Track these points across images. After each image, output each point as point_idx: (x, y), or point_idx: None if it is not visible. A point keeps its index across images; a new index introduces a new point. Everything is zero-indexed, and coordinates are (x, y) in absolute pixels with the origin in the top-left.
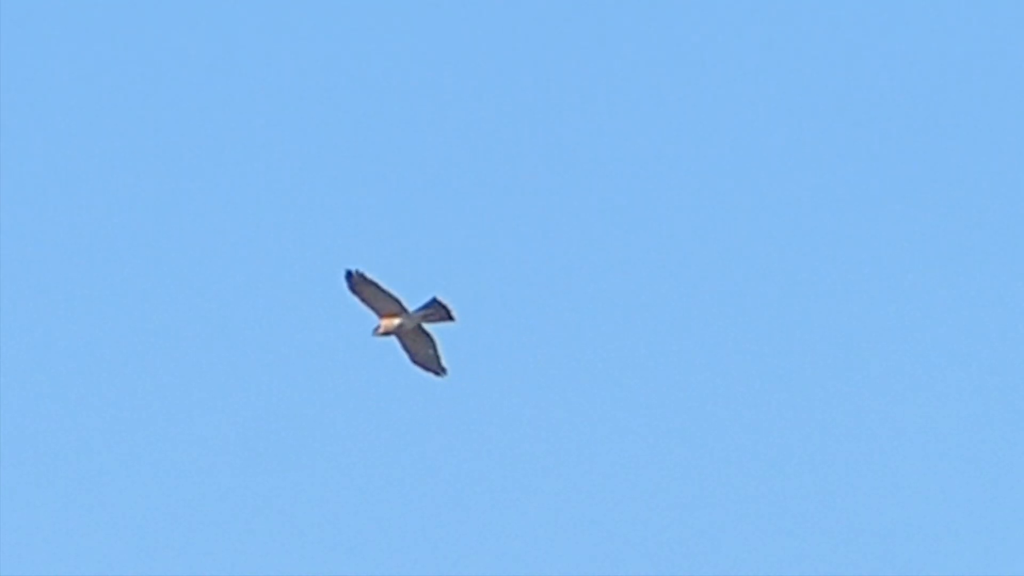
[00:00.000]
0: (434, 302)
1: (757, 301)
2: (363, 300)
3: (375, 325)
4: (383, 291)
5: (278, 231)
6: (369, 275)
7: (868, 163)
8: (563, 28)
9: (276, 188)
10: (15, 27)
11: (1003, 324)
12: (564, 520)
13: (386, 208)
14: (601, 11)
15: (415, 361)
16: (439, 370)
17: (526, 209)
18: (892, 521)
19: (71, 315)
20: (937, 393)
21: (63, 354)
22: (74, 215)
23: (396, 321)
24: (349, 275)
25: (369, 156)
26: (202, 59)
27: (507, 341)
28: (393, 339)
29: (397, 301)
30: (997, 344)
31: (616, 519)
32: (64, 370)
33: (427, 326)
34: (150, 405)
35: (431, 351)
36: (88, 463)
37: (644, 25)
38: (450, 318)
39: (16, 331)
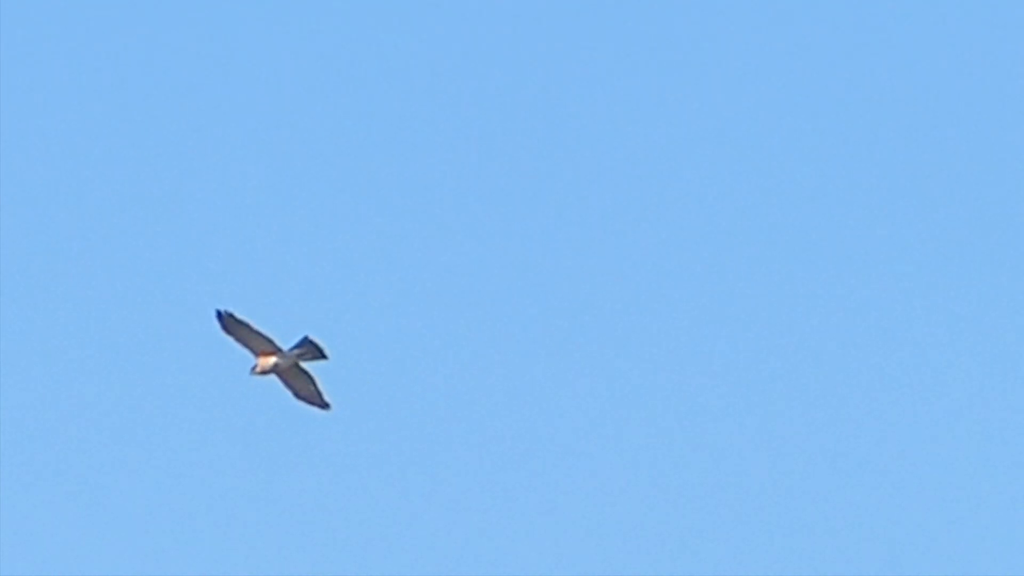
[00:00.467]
0: (306, 340)
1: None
2: (237, 340)
3: (252, 364)
4: (255, 331)
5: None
6: (239, 315)
7: (868, 163)
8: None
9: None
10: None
11: (1004, 324)
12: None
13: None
14: (601, 11)
15: (298, 397)
16: (323, 405)
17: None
18: (892, 521)
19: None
20: (937, 393)
21: (63, 354)
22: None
23: (272, 360)
24: (220, 316)
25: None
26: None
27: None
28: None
29: (270, 341)
30: (997, 344)
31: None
32: (64, 370)
33: (304, 364)
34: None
35: (312, 387)
36: (88, 463)
37: (644, 25)
38: (323, 356)
39: (16, 331)
